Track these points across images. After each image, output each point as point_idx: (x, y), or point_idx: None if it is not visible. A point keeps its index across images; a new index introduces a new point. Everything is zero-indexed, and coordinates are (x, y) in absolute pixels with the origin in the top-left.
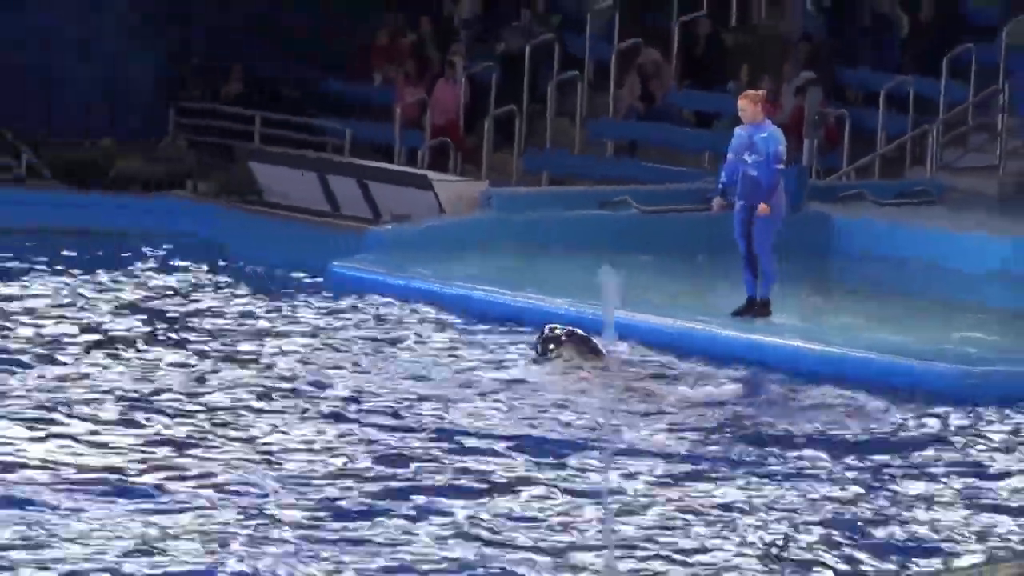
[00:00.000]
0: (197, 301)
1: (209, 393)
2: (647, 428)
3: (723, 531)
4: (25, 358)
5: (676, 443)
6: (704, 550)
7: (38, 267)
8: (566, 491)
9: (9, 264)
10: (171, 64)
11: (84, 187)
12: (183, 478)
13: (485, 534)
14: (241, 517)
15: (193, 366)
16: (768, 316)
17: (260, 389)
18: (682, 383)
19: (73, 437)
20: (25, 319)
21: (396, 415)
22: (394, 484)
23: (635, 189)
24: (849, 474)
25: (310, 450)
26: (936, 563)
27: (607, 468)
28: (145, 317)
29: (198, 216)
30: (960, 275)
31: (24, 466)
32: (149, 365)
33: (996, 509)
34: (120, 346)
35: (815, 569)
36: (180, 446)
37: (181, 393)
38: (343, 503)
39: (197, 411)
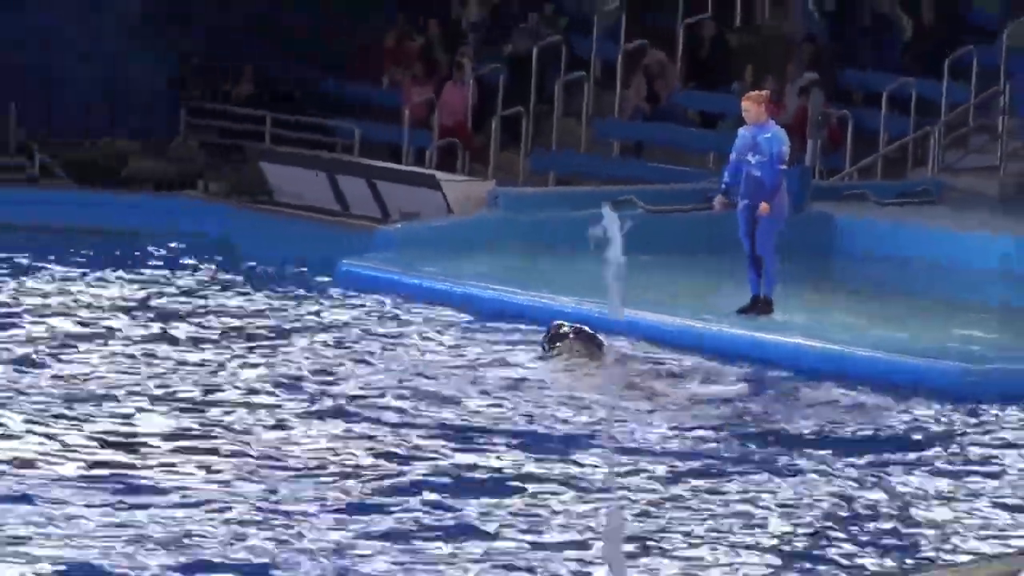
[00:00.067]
0: (207, 300)
1: (219, 390)
2: (651, 425)
3: (727, 529)
4: (37, 355)
5: (680, 440)
6: (708, 548)
7: (50, 265)
8: (571, 488)
9: (22, 262)
10: (171, 64)
11: (96, 187)
12: (193, 474)
13: (491, 531)
14: (250, 513)
15: (203, 364)
16: (771, 314)
17: (269, 386)
18: (686, 380)
19: (84, 434)
20: (37, 317)
21: (403, 412)
22: (400, 480)
23: (641, 189)
24: (851, 471)
25: (318, 446)
26: (937, 559)
27: (611, 465)
28: (156, 315)
29: (209, 215)
30: (962, 274)
31: (36, 462)
32: (160, 363)
33: (997, 506)
34: (131, 344)
35: (818, 565)
36: (190, 443)
37: (191, 390)
38: (349, 499)
39: (206, 408)
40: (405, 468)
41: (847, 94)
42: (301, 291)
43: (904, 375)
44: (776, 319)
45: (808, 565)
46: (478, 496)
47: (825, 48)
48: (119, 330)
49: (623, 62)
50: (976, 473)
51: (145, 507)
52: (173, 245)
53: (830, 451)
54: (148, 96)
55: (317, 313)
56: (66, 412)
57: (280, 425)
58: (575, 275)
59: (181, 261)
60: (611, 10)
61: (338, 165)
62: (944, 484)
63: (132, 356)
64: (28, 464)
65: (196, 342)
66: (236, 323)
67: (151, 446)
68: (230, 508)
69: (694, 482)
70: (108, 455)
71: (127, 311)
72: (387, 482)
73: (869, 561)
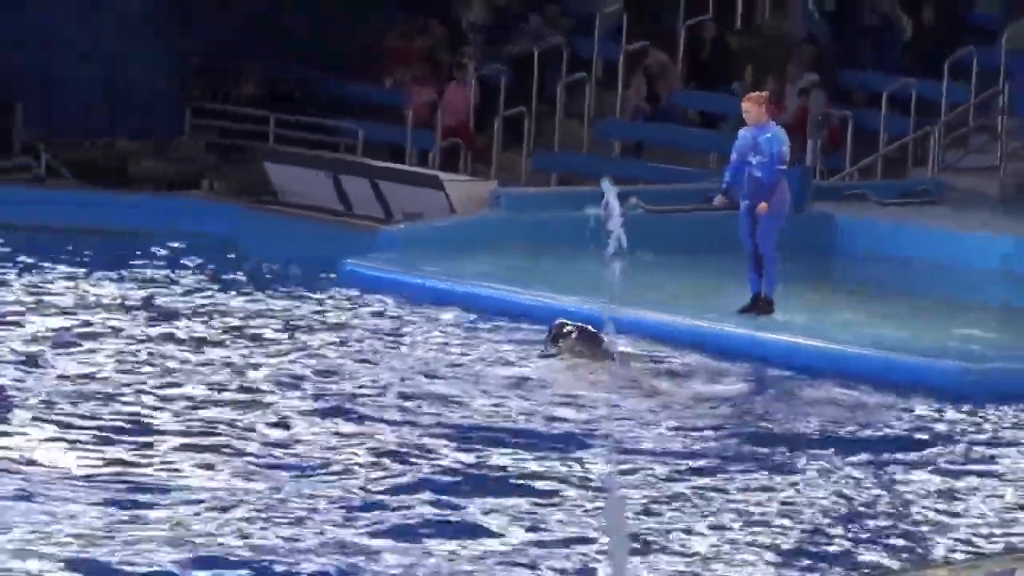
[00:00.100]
0: (211, 299)
1: (223, 390)
2: (653, 424)
3: (728, 527)
4: (42, 355)
5: (681, 439)
6: (710, 546)
7: (55, 264)
8: (572, 486)
9: (28, 261)
10: (173, 65)
11: (100, 187)
12: (198, 473)
13: (493, 529)
14: (254, 511)
15: (207, 363)
16: (772, 313)
17: (273, 385)
18: (686, 379)
19: (88, 433)
20: (42, 315)
21: (405, 411)
22: (403, 479)
23: (642, 189)
24: (851, 469)
25: (321, 445)
26: (936, 557)
27: (613, 464)
28: (160, 315)
29: (213, 215)
30: (962, 274)
31: (41, 461)
32: (164, 362)
33: (996, 504)
34: (135, 343)
35: (818, 563)
36: (194, 441)
37: (194, 390)
38: (353, 497)
39: (210, 407)
40: (408, 467)
41: (847, 94)
42: (304, 291)
43: (904, 374)
44: (777, 318)
45: (808, 563)
46: (480, 495)
47: (825, 49)
48: (123, 329)
49: (624, 63)
50: (975, 472)
51: (150, 505)
52: (177, 245)
53: (830, 450)
54: (150, 96)
55: (320, 313)
56: (70, 411)
57: (283, 424)
58: (577, 275)
59: (184, 261)
60: (613, 11)
61: (341, 165)
62: (943, 482)
63: (136, 355)
64: (33, 463)
65: (200, 341)
66: (239, 323)
67: (156, 445)
68: (235, 506)
69: (696, 480)
70: (113, 454)
71: (131, 310)
72: (390, 481)
73: (869, 559)
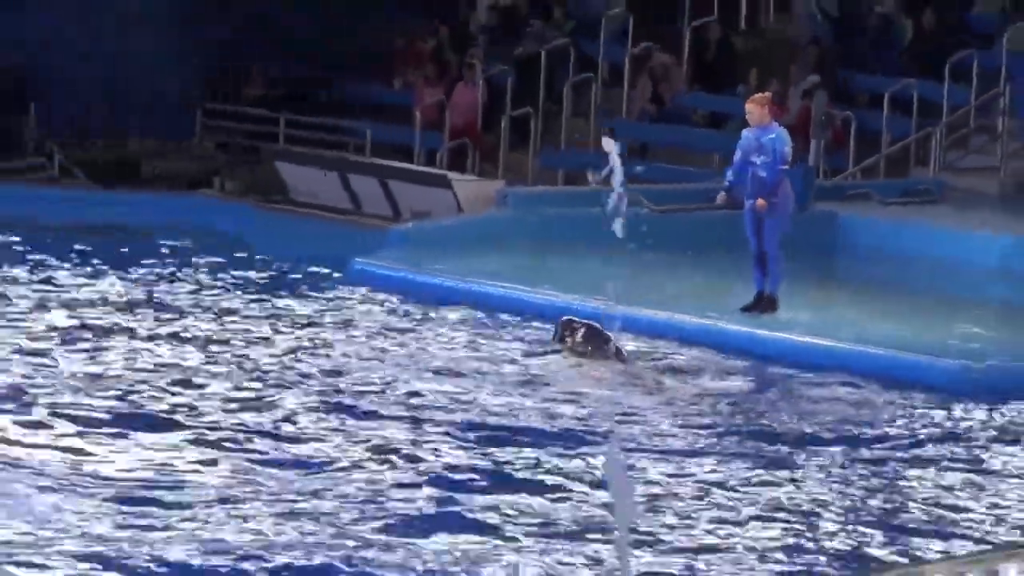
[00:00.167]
0: (221, 296)
1: (231, 387)
2: (658, 421)
3: (732, 523)
4: (53, 352)
5: (686, 435)
6: (713, 542)
7: (67, 262)
8: (577, 483)
9: (41, 259)
10: (184, 66)
11: (113, 186)
12: (204, 469)
13: (498, 525)
14: (261, 507)
15: (216, 361)
16: (775, 312)
17: (282, 382)
18: (690, 376)
19: (97, 430)
20: (54, 313)
21: (412, 407)
22: (409, 475)
23: (647, 189)
24: (853, 466)
25: (327, 441)
26: (935, 553)
27: (618, 460)
28: (169, 312)
29: (225, 214)
30: (963, 272)
31: (51, 459)
32: (173, 359)
33: (996, 501)
34: (144, 340)
35: (819, 559)
36: (200, 437)
37: (203, 386)
38: (359, 493)
39: (218, 404)
40: (413, 463)
41: (850, 96)
42: (314, 288)
43: (905, 372)
44: (780, 316)
45: (809, 559)
46: (486, 491)
47: (828, 51)
48: (134, 326)
49: (630, 64)
50: (975, 469)
51: (159, 502)
52: (188, 243)
53: (832, 446)
54: (162, 97)
55: (329, 310)
56: (79, 407)
57: (291, 420)
58: (583, 273)
59: (196, 258)
60: (618, 13)
61: (351, 165)
62: (944, 479)
63: (145, 353)
64: (43, 459)
65: (208, 339)
66: (248, 320)
67: (163, 441)
68: (242, 501)
69: (700, 477)
70: (121, 449)
71: (141, 307)
72: (396, 476)
73: (869, 555)
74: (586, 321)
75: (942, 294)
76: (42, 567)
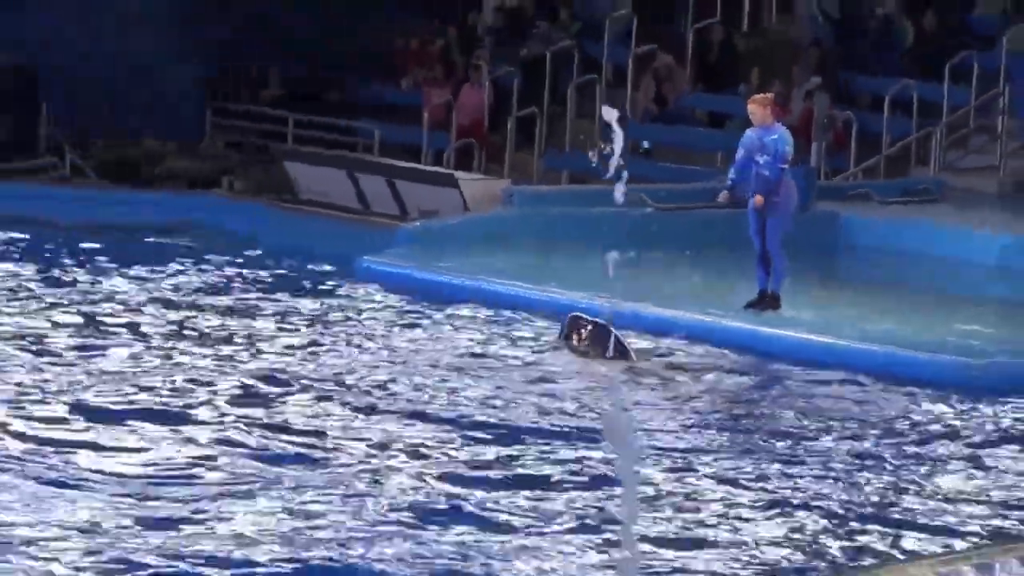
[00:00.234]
0: (231, 295)
1: (239, 384)
2: (660, 417)
3: (735, 519)
4: (63, 351)
5: (690, 432)
6: (717, 538)
7: (79, 261)
8: (582, 479)
9: (52, 257)
10: (197, 66)
11: (124, 185)
12: (209, 466)
13: (503, 521)
14: (265, 503)
15: (225, 359)
16: (778, 309)
17: (288, 379)
18: (694, 373)
19: (107, 427)
20: (65, 311)
21: (419, 404)
22: (413, 471)
23: (651, 188)
24: (854, 462)
25: (333, 438)
26: (935, 548)
27: (622, 456)
28: (179, 311)
29: (235, 213)
30: (963, 270)
31: (64, 456)
32: (182, 358)
33: (996, 498)
34: (155, 339)
35: (820, 554)
36: (206, 435)
37: (211, 384)
38: (363, 489)
39: (226, 401)
40: (418, 459)
41: (851, 97)
42: (323, 286)
43: (906, 369)
44: (783, 314)
45: (809, 555)
46: (491, 487)
47: (830, 52)
48: (144, 325)
49: (633, 65)
50: (974, 465)
51: (163, 498)
52: (198, 242)
53: (833, 443)
54: (174, 97)
55: (338, 308)
56: (89, 405)
57: (299, 417)
58: (588, 271)
59: (206, 257)
60: (623, 15)
61: (359, 165)
62: (944, 476)
63: (156, 351)
64: (51, 456)
65: (218, 337)
66: (258, 318)
67: (171, 438)
68: (248, 497)
69: (704, 472)
70: (131, 446)
71: (152, 306)
72: (401, 473)
73: (868, 550)
74: (593, 318)
75: (942, 293)
76: (48, 561)
